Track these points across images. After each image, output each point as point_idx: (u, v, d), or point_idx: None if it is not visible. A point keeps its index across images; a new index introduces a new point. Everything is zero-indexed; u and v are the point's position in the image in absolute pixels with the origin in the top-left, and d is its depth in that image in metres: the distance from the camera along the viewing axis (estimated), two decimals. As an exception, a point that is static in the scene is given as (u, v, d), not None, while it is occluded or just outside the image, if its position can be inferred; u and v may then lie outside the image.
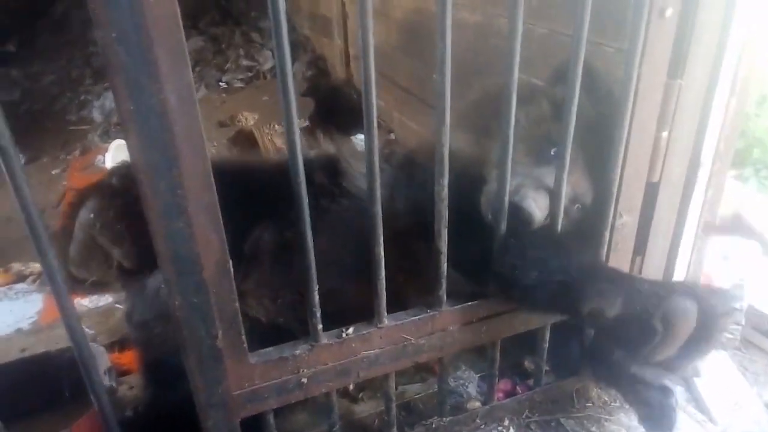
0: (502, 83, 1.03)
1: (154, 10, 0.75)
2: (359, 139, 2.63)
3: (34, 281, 2.04)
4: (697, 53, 1.15)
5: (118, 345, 1.72)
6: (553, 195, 1.14)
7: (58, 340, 1.61)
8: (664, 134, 1.20)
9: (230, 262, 0.94)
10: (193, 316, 0.95)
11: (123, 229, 1.18)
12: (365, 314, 1.14)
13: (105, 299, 1.93)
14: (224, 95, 3.71)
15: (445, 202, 1.07)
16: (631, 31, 1.05)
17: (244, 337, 1.02)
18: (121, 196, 1.20)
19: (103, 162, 2.85)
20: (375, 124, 0.97)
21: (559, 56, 1.14)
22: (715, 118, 1.24)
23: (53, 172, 3.07)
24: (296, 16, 4.43)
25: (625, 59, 1.08)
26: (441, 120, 1.01)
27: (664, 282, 1.22)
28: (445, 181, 1.05)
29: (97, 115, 3.70)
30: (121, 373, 1.58)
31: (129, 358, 1.68)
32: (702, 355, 0.99)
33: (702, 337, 0.94)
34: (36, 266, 2.14)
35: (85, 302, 1.92)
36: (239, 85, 3.82)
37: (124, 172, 1.24)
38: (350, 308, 1.16)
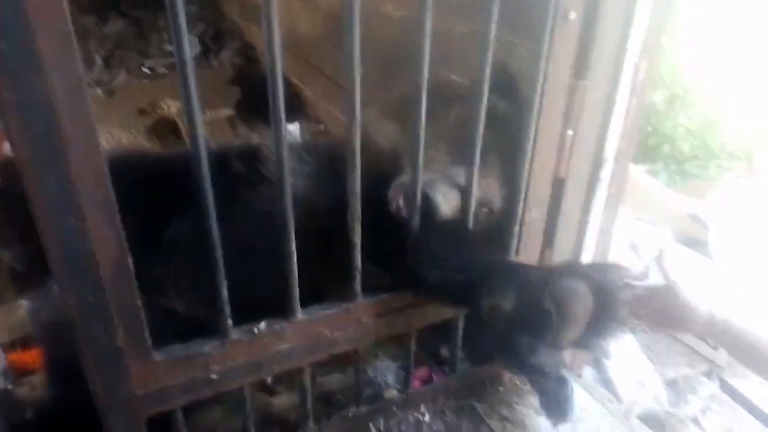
0: (432, 79, 1.04)
1: (33, -5, 0.70)
2: (291, 127, 2.60)
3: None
4: (600, 55, 1.20)
5: (20, 343, 1.62)
6: (464, 193, 1.17)
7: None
8: (570, 132, 1.26)
9: (130, 257, 0.91)
10: (89, 316, 0.92)
11: (10, 231, 1.11)
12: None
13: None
14: (146, 81, 3.55)
15: (358, 196, 1.08)
16: (536, 33, 1.09)
17: (147, 334, 0.99)
18: (4, 194, 1.12)
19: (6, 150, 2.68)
20: (282, 118, 0.96)
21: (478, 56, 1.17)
22: (618, 117, 1.31)
23: (-46, 160, 2.84)
24: (225, 2, 4.29)
25: (531, 59, 1.12)
26: (351, 114, 1.01)
27: (554, 266, 1.27)
28: (357, 174, 1.06)
29: None
30: (23, 373, 1.49)
31: (32, 357, 1.59)
32: (610, 330, 1.03)
33: (604, 313, 0.98)
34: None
35: (-16, 299, 1.80)
36: (163, 71, 3.65)
37: (5, 168, 1.16)
38: (269, 298, 1.14)
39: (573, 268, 1.02)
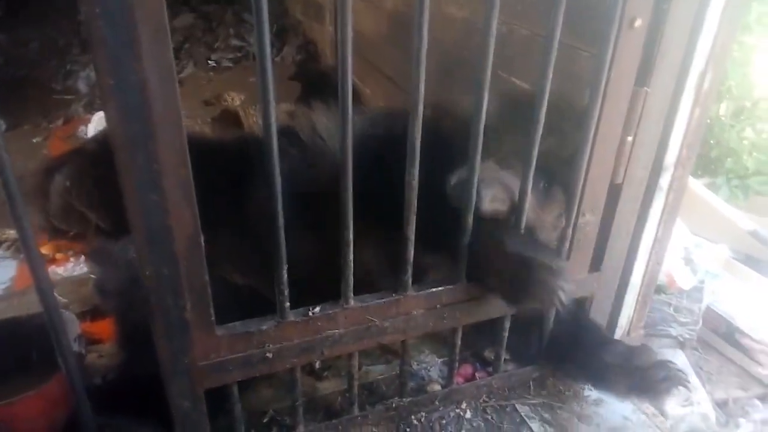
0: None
1: (140, -13, 0.78)
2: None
3: (9, 248, 2.05)
4: (664, 63, 1.20)
5: (89, 314, 1.74)
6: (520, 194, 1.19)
7: (30, 306, 1.63)
8: (629, 138, 1.26)
9: (202, 235, 0.98)
10: (162, 287, 0.99)
11: (98, 197, 1.21)
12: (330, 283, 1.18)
13: (80, 268, 1.95)
14: (212, 74, 3.70)
15: (415, 191, 1.11)
16: (601, 39, 1.10)
17: (212, 309, 1.06)
18: (97, 164, 1.22)
19: (86, 133, 2.85)
20: (349, 112, 1.00)
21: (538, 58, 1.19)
22: (679, 126, 1.30)
23: (34, 140, 3.05)
24: (289, 0, 4.42)
25: (594, 65, 1.13)
26: (415, 113, 1.04)
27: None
28: (416, 171, 1.09)
29: (82, 86, 3.67)
30: (92, 341, 1.60)
31: (100, 327, 1.71)
32: None
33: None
34: (11, 233, 2.14)
35: (59, 271, 1.94)
36: (228, 64, 3.80)
37: (101, 140, 1.26)
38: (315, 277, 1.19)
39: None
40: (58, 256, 2.05)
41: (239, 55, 3.88)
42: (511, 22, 1.66)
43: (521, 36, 1.66)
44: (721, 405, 1.88)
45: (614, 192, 1.32)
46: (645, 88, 1.21)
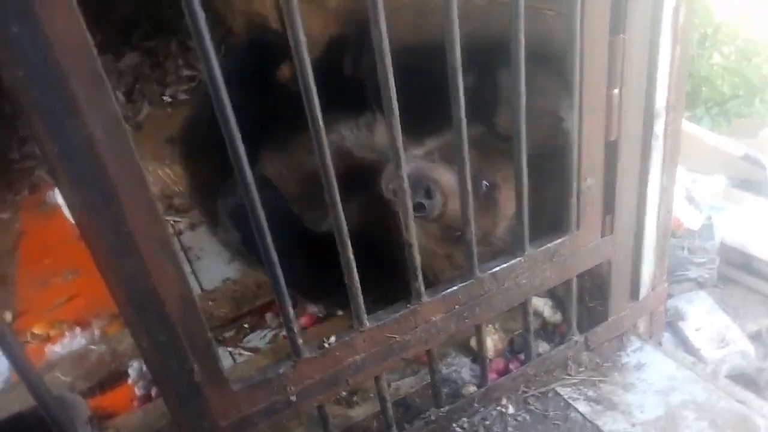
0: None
1: (63, 40, 0.69)
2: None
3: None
4: (636, 5, 1.13)
5: (98, 388, 1.65)
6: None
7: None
8: (615, 91, 1.19)
9: (192, 291, 0.90)
10: (163, 355, 0.91)
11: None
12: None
13: (77, 341, 1.85)
14: (170, 110, 3.59)
15: (408, 193, 1.04)
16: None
17: (221, 365, 0.98)
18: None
19: (54, 197, 2.73)
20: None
21: (500, 26, 1.12)
22: (663, 68, 1.23)
23: (3, 216, 2.93)
24: (230, 15, 4.30)
25: (565, 22, 1.06)
26: (390, 112, 0.97)
27: None
28: (404, 173, 1.02)
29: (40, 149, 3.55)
30: (105, 416, 1.52)
31: (112, 399, 1.62)
32: None
33: None
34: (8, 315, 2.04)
35: (57, 349, 1.84)
36: (184, 96, 3.69)
37: None
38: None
39: None
40: (52, 333, 1.95)
41: (193, 85, 3.76)
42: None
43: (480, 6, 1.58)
44: (755, 337, 1.84)
45: (611, 150, 1.25)
46: (621, 35, 1.14)
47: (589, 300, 1.46)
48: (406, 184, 1.03)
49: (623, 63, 1.17)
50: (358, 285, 1.06)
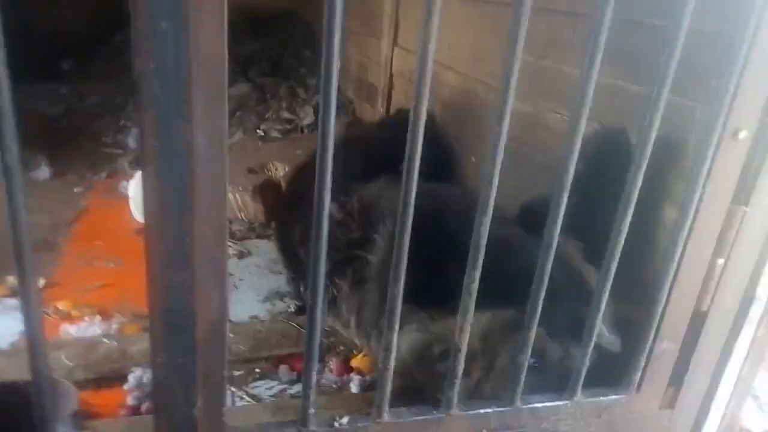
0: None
1: (201, 48, 0.70)
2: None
3: (26, 299, 1.95)
4: (767, 181, 1.07)
5: (93, 382, 1.60)
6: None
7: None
8: (720, 261, 1.10)
9: (227, 323, 0.85)
10: (173, 379, 0.85)
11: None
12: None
13: (92, 330, 1.82)
14: (259, 143, 3.73)
15: (473, 296, 0.98)
16: (698, 151, 0.98)
17: (225, 409, 0.91)
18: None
19: (126, 188, 2.82)
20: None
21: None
22: (776, 256, 1.14)
23: (75, 190, 3.04)
24: (343, 79, 4.52)
25: (688, 179, 1.01)
26: (484, 209, 0.93)
27: None
28: (477, 274, 0.96)
29: (131, 142, 3.71)
30: (92, 415, 1.45)
31: (104, 399, 1.56)
32: None
33: None
34: (32, 283, 2.06)
35: (71, 330, 1.82)
36: (276, 135, 3.83)
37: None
38: None
39: None
40: (74, 313, 1.93)
41: (288, 127, 3.91)
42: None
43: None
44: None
45: (698, 320, 1.15)
46: (743, 207, 1.07)
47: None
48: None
49: (737, 235, 1.09)
50: (391, 369, 0.98)
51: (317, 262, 0.86)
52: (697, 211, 1.03)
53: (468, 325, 1.00)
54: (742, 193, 1.06)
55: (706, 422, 1.27)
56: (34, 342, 0.79)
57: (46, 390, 0.83)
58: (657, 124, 0.93)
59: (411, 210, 0.87)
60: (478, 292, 0.97)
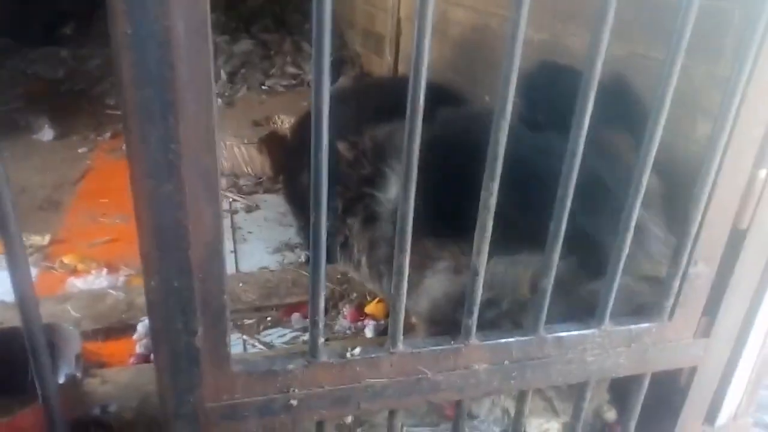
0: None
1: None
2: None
3: (31, 254, 1.92)
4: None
5: (102, 334, 1.56)
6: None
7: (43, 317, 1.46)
8: (762, 173, 1.01)
9: (224, 243, 0.78)
10: (170, 304, 0.79)
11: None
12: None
13: (99, 282, 1.79)
14: (264, 97, 3.64)
15: (491, 212, 0.90)
16: (736, 56, 0.88)
17: (228, 338, 0.85)
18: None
19: (131, 146, 2.77)
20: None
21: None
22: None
23: (79, 150, 3.00)
24: (350, 32, 4.38)
25: (726, 85, 0.90)
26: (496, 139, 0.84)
27: None
28: (495, 186, 0.88)
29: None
30: (96, 364, 1.41)
31: (111, 349, 1.53)
32: None
33: None
34: (36, 238, 2.02)
35: (78, 283, 1.79)
36: (281, 89, 3.74)
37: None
38: None
39: None
40: (80, 267, 1.90)
41: (293, 82, 3.81)
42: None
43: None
44: None
45: (736, 239, 1.06)
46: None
47: (656, 407, 1.23)
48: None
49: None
50: (404, 298, 0.91)
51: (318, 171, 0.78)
52: (737, 116, 0.93)
53: (485, 246, 0.92)
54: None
55: (744, 352, 1.19)
56: (21, 290, 0.74)
57: (38, 334, 0.77)
58: (689, 28, 0.83)
59: (417, 145, 0.79)
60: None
